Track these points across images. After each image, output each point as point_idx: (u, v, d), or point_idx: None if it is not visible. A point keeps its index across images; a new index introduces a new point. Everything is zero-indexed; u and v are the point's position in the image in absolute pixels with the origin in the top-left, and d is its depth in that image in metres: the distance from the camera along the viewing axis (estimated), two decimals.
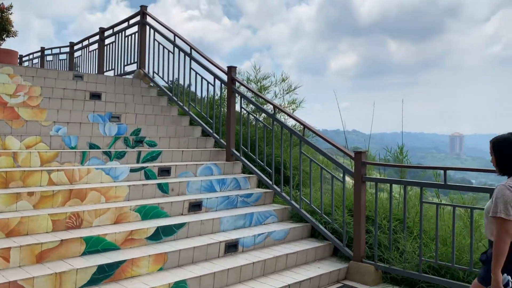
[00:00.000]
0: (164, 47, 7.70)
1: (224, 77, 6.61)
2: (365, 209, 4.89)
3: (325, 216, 5.24)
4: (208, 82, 6.88)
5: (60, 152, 5.03)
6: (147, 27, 8.06)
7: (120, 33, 8.64)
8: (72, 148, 5.36)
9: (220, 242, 4.50)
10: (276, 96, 7.87)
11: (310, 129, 5.60)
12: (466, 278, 4.27)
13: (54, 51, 11.89)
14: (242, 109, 6.79)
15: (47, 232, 3.94)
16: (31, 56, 12.99)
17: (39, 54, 12.51)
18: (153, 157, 5.74)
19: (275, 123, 5.99)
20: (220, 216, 4.92)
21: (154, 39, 7.88)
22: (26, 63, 12.94)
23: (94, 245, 3.92)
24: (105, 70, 9.01)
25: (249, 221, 5.17)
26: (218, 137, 6.65)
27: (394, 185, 4.90)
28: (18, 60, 11.13)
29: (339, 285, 4.66)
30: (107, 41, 9.10)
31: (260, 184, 6.14)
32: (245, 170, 6.33)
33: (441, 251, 4.48)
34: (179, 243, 4.36)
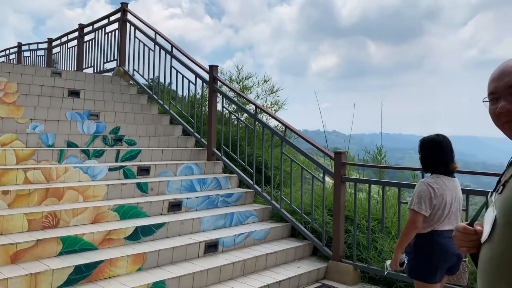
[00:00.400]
0: (144, 44, 7.62)
1: (206, 76, 6.58)
2: (344, 209, 4.94)
3: (305, 216, 5.26)
4: (189, 81, 6.84)
5: (37, 150, 4.93)
6: (128, 24, 7.97)
7: (100, 30, 8.53)
8: (49, 146, 5.26)
9: (200, 242, 4.48)
10: (258, 97, 7.88)
11: (291, 130, 5.62)
12: None
13: (32, 47, 11.66)
14: (224, 109, 6.78)
15: (22, 232, 3.85)
16: (7, 52, 12.71)
17: (15, 49, 12.24)
18: (132, 156, 5.67)
19: (257, 123, 5.99)
20: (200, 216, 4.90)
21: (135, 37, 7.79)
22: (2, 59, 12.65)
23: (71, 245, 3.86)
24: (84, 67, 8.87)
25: (229, 221, 5.15)
26: (199, 137, 6.61)
27: (373, 186, 4.96)
28: None
29: (318, 284, 4.69)
30: (86, 38, 8.96)
31: (241, 184, 6.13)
32: (226, 169, 6.31)
33: None
34: (158, 243, 4.32)
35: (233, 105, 6.95)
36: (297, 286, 4.53)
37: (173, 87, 7.47)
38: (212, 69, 6.45)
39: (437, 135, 3.10)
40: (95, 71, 8.53)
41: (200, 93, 7.19)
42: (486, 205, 1.50)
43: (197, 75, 6.71)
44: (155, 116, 7.04)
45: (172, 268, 4.06)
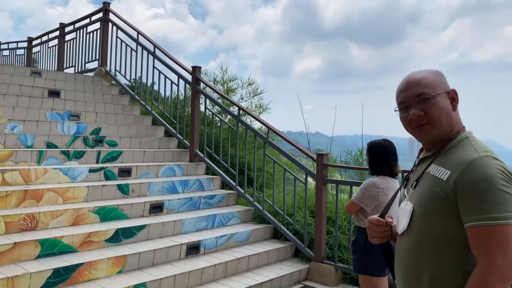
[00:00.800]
0: (127, 45, 7.55)
1: (189, 77, 6.56)
2: (326, 210, 4.96)
3: (287, 217, 5.27)
4: (172, 82, 6.81)
5: (15, 151, 4.83)
6: (110, 24, 7.90)
7: (81, 30, 8.42)
8: (28, 147, 5.17)
9: (182, 244, 4.45)
10: (242, 99, 7.90)
11: (274, 131, 5.63)
12: None
13: (11, 45, 11.45)
14: (207, 110, 6.76)
15: None
16: None
17: None
18: (113, 157, 5.61)
19: (240, 124, 5.99)
20: (182, 218, 4.87)
21: (117, 37, 7.72)
22: None
23: (50, 248, 3.79)
24: (65, 67, 8.76)
25: (211, 223, 5.14)
26: (181, 138, 6.58)
27: (354, 187, 4.99)
28: None
29: (300, 285, 4.70)
30: (67, 37, 8.85)
31: (224, 185, 6.12)
32: (209, 171, 6.29)
33: None
34: (139, 245, 4.28)
35: (216, 107, 6.93)
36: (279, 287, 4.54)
37: (156, 88, 7.43)
38: (195, 70, 6.43)
39: (384, 140, 3.31)
40: (76, 71, 8.42)
41: (183, 94, 7.17)
42: (393, 200, 1.79)
43: (180, 76, 6.67)
44: (137, 117, 6.98)
45: (153, 271, 4.03)
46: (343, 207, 5.28)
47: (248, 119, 6.86)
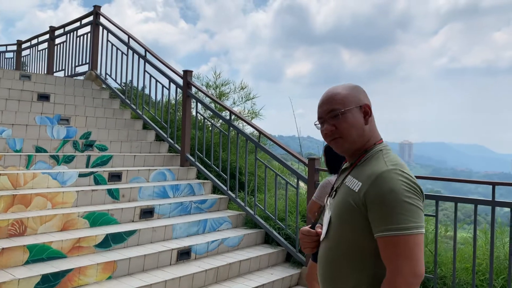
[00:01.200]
0: (117, 48, 7.51)
1: (180, 81, 6.53)
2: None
3: (278, 222, 5.26)
4: (163, 86, 6.77)
5: (3, 155, 4.77)
6: (100, 28, 7.85)
7: (71, 33, 8.37)
8: (17, 151, 5.10)
9: (172, 249, 4.41)
10: (235, 103, 7.89)
11: (265, 136, 5.62)
12: None
13: (0, 49, 11.33)
14: (199, 114, 6.73)
15: None
16: None
17: None
18: (103, 162, 5.56)
19: (231, 129, 5.97)
20: (173, 223, 4.83)
21: (108, 40, 7.67)
22: None
23: (39, 254, 3.74)
24: (54, 70, 8.68)
25: (202, 228, 5.11)
26: (172, 142, 6.54)
27: None
28: None
29: None
30: (57, 41, 8.78)
31: (215, 190, 6.09)
32: (200, 175, 6.26)
33: None
34: (129, 250, 4.24)
35: (208, 111, 6.91)
36: None
37: (147, 91, 7.40)
38: (187, 74, 6.41)
39: None
40: (66, 74, 8.35)
41: (175, 98, 7.14)
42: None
43: (171, 80, 6.65)
44: (128, 121, 6.93)
45: (143, 276, 3.99)
46: None
47: (240, 124, 6.85)
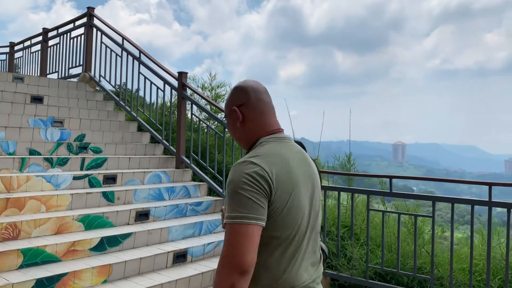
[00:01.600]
0: (111, 50, 7.47)
1: (175, 83, 6.50)
2: None
3: None
4: (158, 88, 6.74)
5: None
6: (94, 29, 7.81)
7: (65, 35, 8.32)
8: (10, 154, 5.05)
9: (168, 252, 4.38)
10: None
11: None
12: (410, 284, 4.41)
13: None
14: (194, 116, 6.70)
15: None
16: None
17: None
18: (98, 164, 5.52)
19: (227, 130, 5.95)
20: (169, 226, 4.80)
21: (101, 42, 7.63)
22: None
23: (33, 258, 3.69)
24: (48, 72, 8.63)
25: (198, 230, 5.08)
26: (167, 144, 6.51)
27: (342, 193, 4.99)
28: None
29: None
30: (51, 42, 8.73)
31: (211, 192, 6.06)
32: (196, 177, 6.23)
33: (386, 257, 4.60)
34: (125, 253, 4.20)
35: (203, 113, 6.88)
36: None
37: (141, 93, 7.36)
38: (181, 76, 6.38)
39: (299, 142, 3.63)
40: (60, 76, 8.30)
41: (170, 100, 7.10)
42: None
43: (165, 82, 6.61)
44: (122, 123, 6.89)
45: (139, 280, 3.95)
46: (331, 213, 5.29)
47: None
